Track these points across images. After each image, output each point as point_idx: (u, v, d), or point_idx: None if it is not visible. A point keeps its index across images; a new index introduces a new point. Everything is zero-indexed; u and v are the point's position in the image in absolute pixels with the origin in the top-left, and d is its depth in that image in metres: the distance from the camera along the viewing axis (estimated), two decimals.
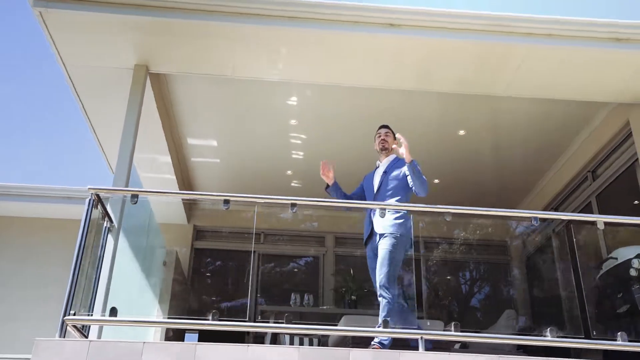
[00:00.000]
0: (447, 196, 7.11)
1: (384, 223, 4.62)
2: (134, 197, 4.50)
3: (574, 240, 5.51)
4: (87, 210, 4.31)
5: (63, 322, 3.95)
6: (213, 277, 8.98)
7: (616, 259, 5.20)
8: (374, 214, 4.76)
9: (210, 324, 4.08)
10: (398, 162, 4.92)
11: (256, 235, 9.37)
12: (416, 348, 3.87)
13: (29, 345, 3.82)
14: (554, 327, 3.74)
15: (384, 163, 5.02)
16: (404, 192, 4.81)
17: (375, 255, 4.69)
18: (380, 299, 4.50)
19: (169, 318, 5.23)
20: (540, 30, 5.26)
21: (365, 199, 4.98)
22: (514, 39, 5.31)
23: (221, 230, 8.97)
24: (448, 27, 5.25)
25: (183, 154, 7.66)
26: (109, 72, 5.76)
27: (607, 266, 5.24)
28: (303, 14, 5.17)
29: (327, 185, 5.03)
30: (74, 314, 4.01)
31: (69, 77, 5.80)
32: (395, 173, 4.85)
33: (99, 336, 4.41)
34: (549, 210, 8.00)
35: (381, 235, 4.64)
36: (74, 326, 4.02)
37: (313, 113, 6.80)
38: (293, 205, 4.42)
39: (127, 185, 5.27)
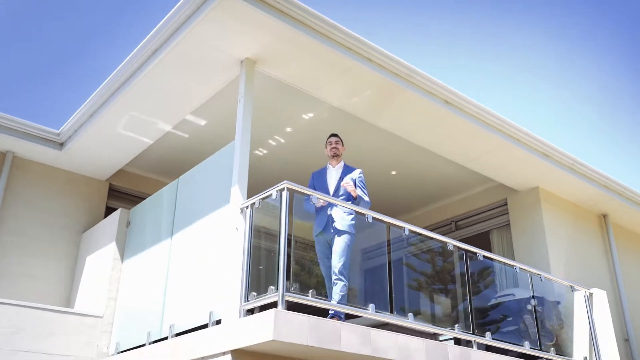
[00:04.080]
0: None
1: (344, 222, 5.69)
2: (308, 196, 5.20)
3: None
4: (286, 202, 4.94)
5: (283, 297, 4.62)
6: None
7: (513, 295, 7.83)
8: (331, 210, 5.78)
9: (373, 314, 5.24)
10: (348, 170, 6.05)
11: None
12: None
13: None
14: None
15: (336, 168, 6.07)
16: (352, 197, 6.05)
17: (328, 245, 5.72)
18: (337, 282, 5.43)
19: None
20: (518, 136, 7.69)
21: None
22: (503, 136, 7.62)
23: (139, 195, 8.94)
24: (481, 118, 7.28)
25: None
26: (212, 55, 6.07)
27: (503, 298, 7.82)
28: (426, 86, 6.73)
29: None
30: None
31: (173, 46, 5.88)
32: (347, 181, 5.94)
33: None
34: None
35: (340, 231, 5.66)
36: None
37: (318, 130, 7.79)
38: None
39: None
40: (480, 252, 6.62)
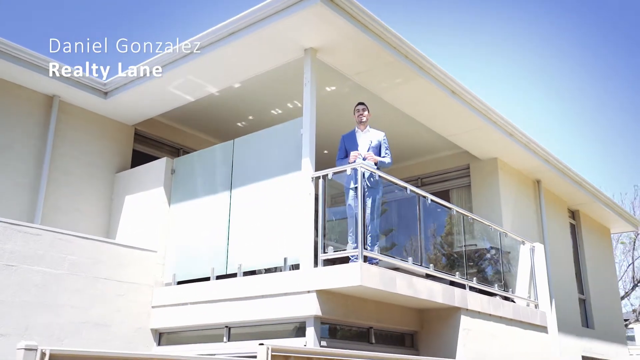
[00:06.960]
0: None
1: (374, 178, 6.87)
2: (373, 176, 6.66)
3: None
4: (361, 177, 6.38)
5: (362, 252, 6.15)
6: None
7: (475, 245, 9.85)
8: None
9: (411, 265, 6.90)
10: (374, 134, 7.40)
11: None
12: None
13: None
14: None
15: (365, 132, 7.37)
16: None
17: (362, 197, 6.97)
18: (370, 236, 6.92)
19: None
20: (497, 120, 9.48)
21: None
22: (486, 120, 9.36)
23: (159, 140, 9.89)
24: (475, 106, 8.93)
25: None
26: (283, 41, 7.16)
27: (466, 247, 9.81)
28: (441, 78, 8.21)
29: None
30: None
31: (256, 31, 6.93)
32: (375, 144, 7.55)
33: None
34: None
35: (373, 187, 6.87)
36: None
37: (339, 100, 9.13)
38: None
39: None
40: (471, 215, 8.49)
